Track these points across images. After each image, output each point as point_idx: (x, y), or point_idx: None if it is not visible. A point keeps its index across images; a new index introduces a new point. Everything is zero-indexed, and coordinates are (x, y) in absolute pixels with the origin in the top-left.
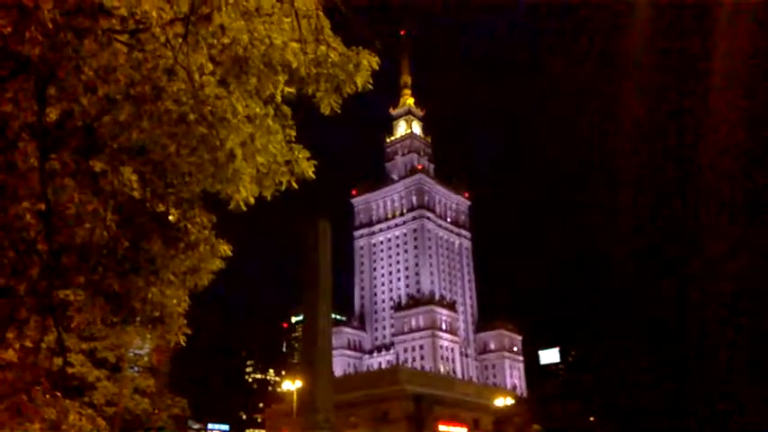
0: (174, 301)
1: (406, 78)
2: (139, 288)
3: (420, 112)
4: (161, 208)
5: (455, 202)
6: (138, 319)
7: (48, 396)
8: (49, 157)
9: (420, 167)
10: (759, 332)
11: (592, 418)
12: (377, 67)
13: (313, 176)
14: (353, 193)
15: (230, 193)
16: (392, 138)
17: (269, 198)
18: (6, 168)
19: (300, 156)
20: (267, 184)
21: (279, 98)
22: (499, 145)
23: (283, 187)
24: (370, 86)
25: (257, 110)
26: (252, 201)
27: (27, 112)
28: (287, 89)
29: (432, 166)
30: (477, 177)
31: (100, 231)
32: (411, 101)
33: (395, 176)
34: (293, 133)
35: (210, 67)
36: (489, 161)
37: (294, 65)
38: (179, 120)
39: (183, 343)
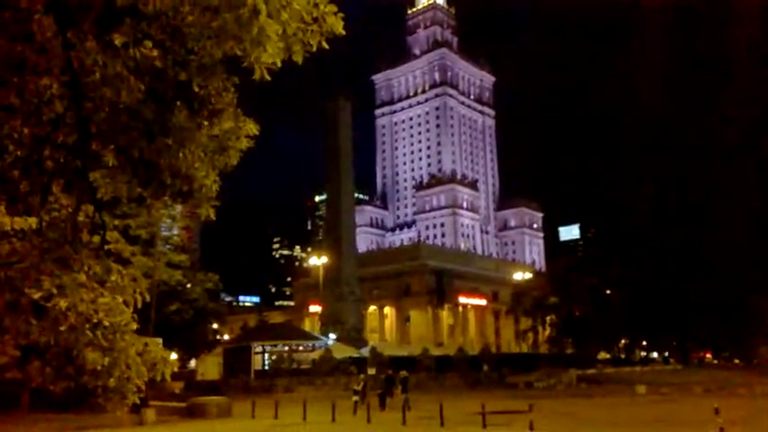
0: (203, 173)
1: None
2: (169, 153)
3: None
4: (183, 76)
5: (479, 78)
6: (167, 192)
7: (92, 254)
8: (68, 29)
9: (443, 41)
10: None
11: (608, 291)
12: None
13: (343, 32)
14: (374, 69)
15: (256, 56)
16: (414, 9)
17: (300, 62)
18: (24, 39)
19: (327, 10)
20: (296, 48)
21: None
22: (527, 14)
23: (314, 48)
24: None
25: None
26: (279, 64)
27: None
28: None
29: (455, 39)
30: (503, 51)
31: (126, 92)
32: None
33: (417, 51)
34: None
35: None
36: (516, 33)
37: None
38: None
39: (212, 216)
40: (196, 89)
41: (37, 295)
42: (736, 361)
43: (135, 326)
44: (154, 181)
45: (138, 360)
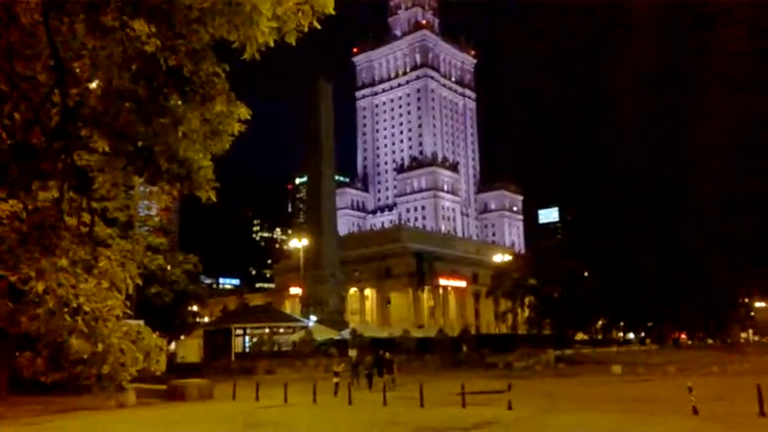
0: (200, 155)
1: None
2: (166, 134)
3: None
4: (173, 61)
5: (460, 60)
6: (165, 177)
7: (76, 239)
8: (55, 10)
9: (424, 23)
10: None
11: (586, 273)
12: None
13: (333, 12)
14: (355, 51)
15: (248, 36)
16: None
17: (293, 43)
18: (10, 22)
19: None
20: (290, 26)
21: None
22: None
23: (305, 29)
24: None
25: None
26: (271, 43)
27: None
28: None
29: (437, 20)
30: (484, 31)
31: (117, 76)
32: None
33: (398, 33)
34: None
35: None
36: (499, 15)
37: None
38: None
39: (213, 198)
40: (186, 75)
41: (14, 278)
42: (711, 341)
43: (120, 312)
44: (150, 166)
45: (132, 347)
